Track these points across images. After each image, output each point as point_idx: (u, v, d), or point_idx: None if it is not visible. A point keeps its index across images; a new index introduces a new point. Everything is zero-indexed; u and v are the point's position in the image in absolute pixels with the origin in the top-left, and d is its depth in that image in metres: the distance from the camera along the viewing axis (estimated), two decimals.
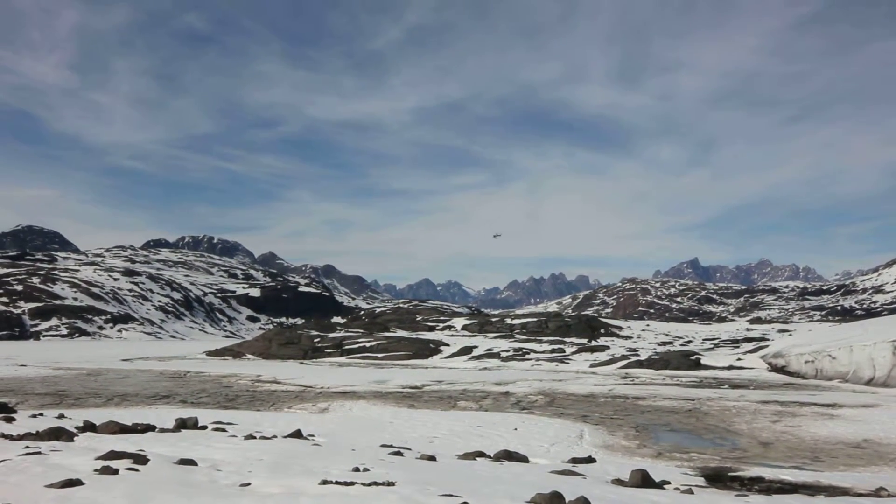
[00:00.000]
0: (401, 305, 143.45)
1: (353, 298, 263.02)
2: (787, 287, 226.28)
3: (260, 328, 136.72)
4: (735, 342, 54.03)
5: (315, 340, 55.43)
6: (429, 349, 50.26)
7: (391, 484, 7.58)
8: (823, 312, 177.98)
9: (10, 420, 13.56)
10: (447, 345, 51.94)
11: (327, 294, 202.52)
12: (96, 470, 7.92)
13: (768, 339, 50.66)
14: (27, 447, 9.59)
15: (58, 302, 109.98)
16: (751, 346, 47.72)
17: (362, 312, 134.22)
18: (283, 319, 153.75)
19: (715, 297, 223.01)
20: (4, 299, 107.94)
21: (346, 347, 52.64)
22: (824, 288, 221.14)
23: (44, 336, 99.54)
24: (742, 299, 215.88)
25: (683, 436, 16.01)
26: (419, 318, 74.62)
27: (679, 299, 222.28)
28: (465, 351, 48.90)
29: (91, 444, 10.52)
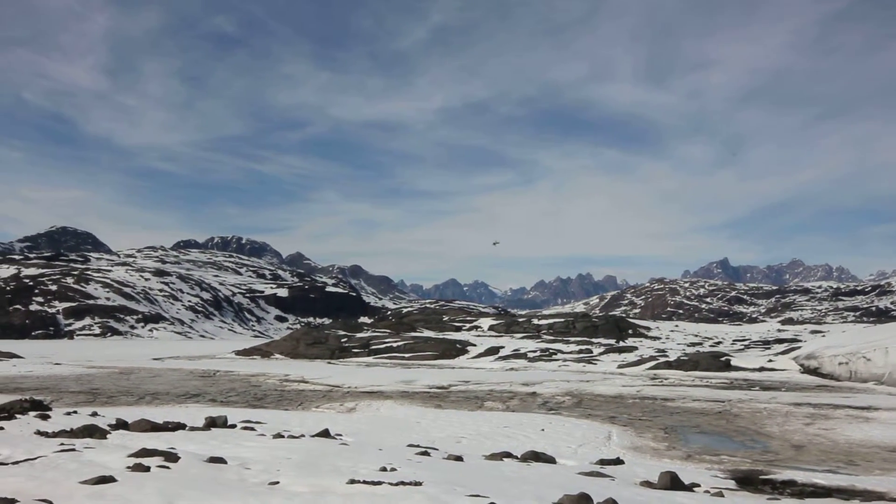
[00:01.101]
0: (427, 305, 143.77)
1: (380, 298, 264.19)
2: (819, 287, 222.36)
3: (288, 328, 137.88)
4: (766, 343, 53.25)
5: (342, 340, 55.75)
6: (455, 349, 50.27)
7: (418, 484, 7.59)
8: (858, 313, 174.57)
9: (45, 417, 13.83)
10: (474, 345, 51.91)
11: (354, 294, 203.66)
12: (129, 467, 8.05)
13: (800, 341, 49.83)
14: (62, 444, 9.78)
15: (91, 302, 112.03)
16: (782, 347, 46.98)
17: (389, 312, 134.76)
18: (311, 319, 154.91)
19: (745, 297, 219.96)
20: (40, 299, 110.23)
21: (373, 347, 52.86)
22: (858, 288, 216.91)
23: (77, 335, 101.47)
24: (773, 300, 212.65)
25: (713, 438, 15.81)
26: (446, 318, 74.67)
27: (708, 300, 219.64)
28: (492, 351, 48.83)
29: (123, 441, 10.70)
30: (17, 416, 13.69)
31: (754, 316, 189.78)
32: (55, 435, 11.16)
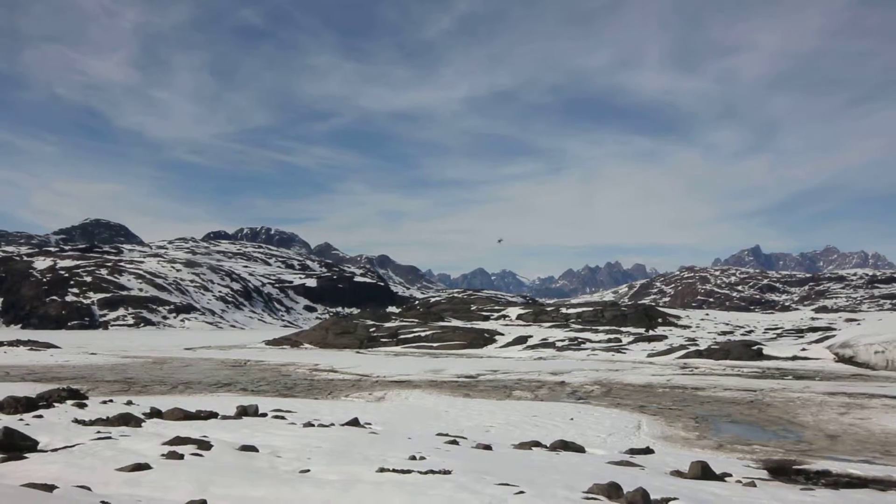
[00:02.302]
0: (455, 295, 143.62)
1: (408, 288, 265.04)
2: (854, 274, 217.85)
3: (317, 318, 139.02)
4: (799, 332, 52.40)
5: (371, 330, 56.08)
6: (483, 339, 50.29)
7: (447, 472, 7.62)
8: (894, 301, 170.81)
9: (82, 406, 14.14)
10: (502, 334, 51.88)
11: (382, 284, 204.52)
12: (163, 455, 8.19)
13: (835, 329, 48.93)
14: (98, 432, 9.99)
15: (124, 293, 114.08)
16: (816, 335, 46.20)
17: (417, 302, 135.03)
18: (339, 309, 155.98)
19: (778, 285, 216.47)
20: (75, 290, 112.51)
21: (402, 337, 53.09)
22: (895, 275, 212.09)
23: (112, 325, 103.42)
24: (806, 287, 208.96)
25: (745, 427, 15.63)
26: (473, 307, 74.68)
27: (740, 288, 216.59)
28: (520, 340, 48.76)
29: (158, 429, 10.89)
30: (56, 404, 14.01)
31: (787, 304, 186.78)
32: (92, 423, 11.40)
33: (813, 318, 67.65)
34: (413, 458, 8.78)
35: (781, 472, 10.54)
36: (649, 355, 39.47)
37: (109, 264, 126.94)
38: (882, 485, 9.66)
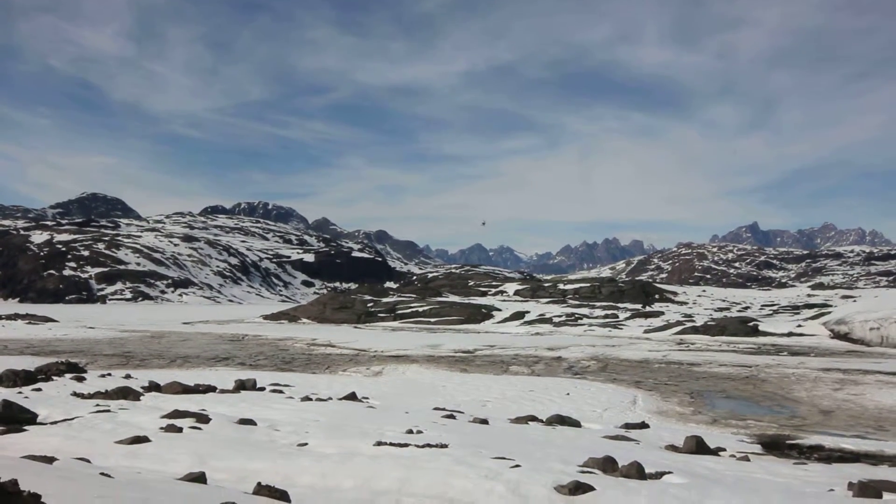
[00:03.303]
0: (453, 270, 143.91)
1: (406, 263, 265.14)
2: (851, 251, 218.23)
3: (314, 293, 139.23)
4: (795, 308, 52.62)
5: (368, 305, 56.22)
6: (481, 314, 50.45)
7: (444, 446, 7.68)
8: (891, 278, 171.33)
9: (80, 380, 14.20)
10: (499, 310, 52.04)
11: (380, 259, 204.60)
12: (162, 428, 8.25)
13: (831, 306, 49.13)
14: (97, 405, 10.05)
15: (122, 267, 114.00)
16: (812, 312, 46.41)
17: (415, 277, 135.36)
18: (337, 284, 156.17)
19: (775, 262, 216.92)
20: (73, 264, 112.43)
21: (399, 312, 53.25)
22: (892, 252, 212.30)
23: (110, 300, 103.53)
24: (803, 264, 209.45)
25: (740, 403, 15.75)
26: (471, 283, 74.82)
27: (737, 264, 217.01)
28: (518, 316, 48.93)
29: (156, 403, 10.95)
30: (54, 378, 14.07)
31: (784, 281, 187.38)
32: (91, 396, 11.47)
33: (809, 295, 67.88)
34: (410, 431, 8.85)
35: (775, 446, 10.64)
36: (646, 331, 39.66)
37: (107, 238, 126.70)
38: (874, 459, 9.76)
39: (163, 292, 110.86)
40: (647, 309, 52.82)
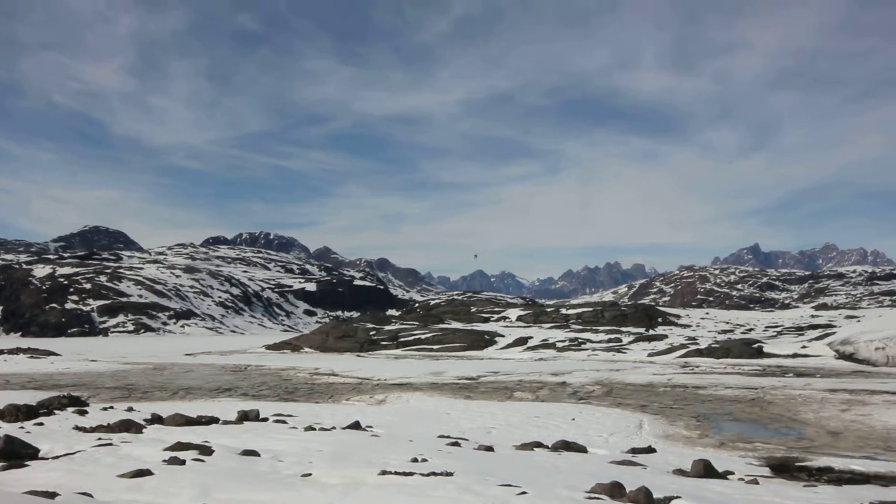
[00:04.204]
0: (455, 297, 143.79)
1: (408, 291, 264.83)
2: (854, 272, 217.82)
3: (317, 322, 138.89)
4: (799, 329, 52.42)
5: (371, 333, 56.05)
6: (484, 340, 50.27)
7: (449, 474, 7.61)
8: (894, 297, 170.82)
9: (83, 413, 14.12)
10: (502, 336, 51.86)
11: (382, 287, 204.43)
12: (165, 460, 8.19)
13: (835, 326, 48.96)
14: (99, 438, 9.98)
15: (124, 299, 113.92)
16: (816, 333, 46.21)
17: (417, 305, 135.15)
18: (339, 313, 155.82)
19: (777, 283, 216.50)
20: (75, 297, 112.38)
21: (402, 340, 53.07)
22: (894, 272, 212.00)
23: (112, 332, 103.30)
24: (806, 285, 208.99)
25: (746, 425, 15.62)
26: (474, 309, 74.67)
27: (739, 286, 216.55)
28: (521, 342, 48.74)
29: (159, 435, 10.88)
30: (56, 411, 13.99)
31: (787, 302, 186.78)
32: (93, 430, 11.39)
33: (813, 316, 67.68)
34: (415, 460, 8.77)
35: (784, 469, 10.54)
36: (650, 355, 39.46)
37: (108, 271, 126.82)
38: (884, 480, 9.66)
39: (165, 324, 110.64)
40: (651, 332, 52.63)
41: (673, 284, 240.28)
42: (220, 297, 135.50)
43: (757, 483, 8.72)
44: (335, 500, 6.39)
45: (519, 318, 65.08)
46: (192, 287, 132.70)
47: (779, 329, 54.15)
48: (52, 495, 5.65)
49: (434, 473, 7.61)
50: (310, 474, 7.77)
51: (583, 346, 45.44)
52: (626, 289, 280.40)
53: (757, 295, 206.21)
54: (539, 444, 11.63)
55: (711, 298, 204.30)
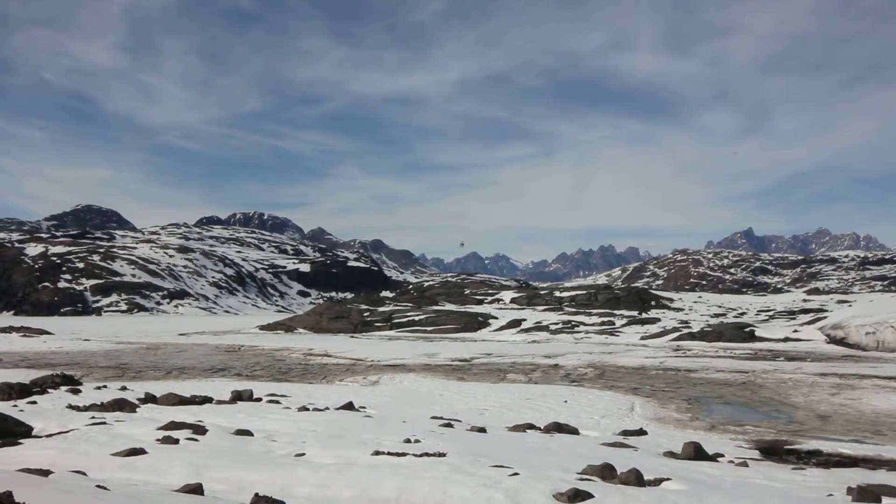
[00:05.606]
0: (449, 279, 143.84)
1: (402, 272, 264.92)
2: (846, 256, 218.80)
3: (310, 303, 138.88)
4: (791, 314, 52.70)
5: (364, 314, 56.14)
6: (477, 322, 50.42)
7: (442, 455, 7.66)
8: (886, 283, 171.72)
9: (76, 392, 14.13)
10: (496, 318, 52.02)
11: (376, 268, 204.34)
12: (158, 440, 8.21)
13: (826, 311, 49.23)
14: (93, 417, 10.00)
15: (117, 279, 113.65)
16: (808, 317, 46.49)
17: (410, 286, 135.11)
18: (333, 294, 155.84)
19: (770, 267, 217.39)
20: (68, 276, 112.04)
21: (396, 321, 53.18)
22: (887, 257, 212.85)
23: (105, 311, 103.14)
24: (799, 270, 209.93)
25: (737, 408, 15.75)
26: (467, 291, 74.80)
27: (732, 270, 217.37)
28: (514, 324, 48.91)
29: (152, 414, 10.90)
30: (50, 390, 13.99)
31: (779, 286, 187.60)
32: (86, 409, 11.41)
33: (805, 300, 68.00)
34: (408, 441, 8.82)
35: (773, 452, 10.65)
36: (642, 338, 39.67)
37: (102, 250, 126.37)
38: (872, 463, 9.77)
39: (158, 304, 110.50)
40: (644, 316, 52.85)
41: (666, 268, 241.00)
42: (213, 277, 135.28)
43: (746, 465, 8.81)
44: (328, 479, 6.43)
45: (512, 301, 65.25)
46: (185, 267, 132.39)
47: (771, 313, 54.42)
48: (46, 473, 5.66)
49: (427, 454, 7.66)
50: (303, 454, 7.80)
51: (576, 329, 45.63)
52: (619, 272, 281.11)
53: (750, 279, 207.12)
54: (531, 426, 11.71)
55: (705, 282, 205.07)
